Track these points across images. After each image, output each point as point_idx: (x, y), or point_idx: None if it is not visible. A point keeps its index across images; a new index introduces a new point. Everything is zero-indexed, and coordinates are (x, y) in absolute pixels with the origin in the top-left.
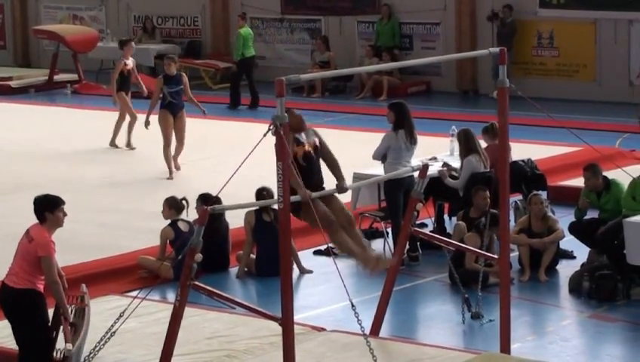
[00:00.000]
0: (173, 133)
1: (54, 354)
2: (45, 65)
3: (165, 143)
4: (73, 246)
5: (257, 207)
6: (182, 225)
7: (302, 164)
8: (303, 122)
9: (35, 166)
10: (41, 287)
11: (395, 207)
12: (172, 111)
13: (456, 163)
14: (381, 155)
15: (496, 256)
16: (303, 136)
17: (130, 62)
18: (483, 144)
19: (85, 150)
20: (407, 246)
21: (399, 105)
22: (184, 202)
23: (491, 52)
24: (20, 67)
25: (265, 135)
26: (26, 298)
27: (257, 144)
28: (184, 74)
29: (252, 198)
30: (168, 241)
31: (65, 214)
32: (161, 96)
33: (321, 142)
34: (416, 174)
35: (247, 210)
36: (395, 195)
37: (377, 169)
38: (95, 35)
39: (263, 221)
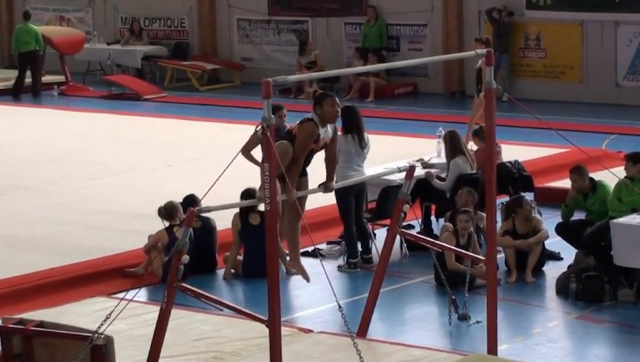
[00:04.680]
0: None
1: None
2: None
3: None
4: (60, 248)
5: (244, 209)
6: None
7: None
8: (337, 117)
9: (22, 167)
10: None
11: (346, 210)
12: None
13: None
14: None
15: (482, 258)
16: (324, 131)
17: None
18: (474, 147)
19: (72, 151)
20: (361, 249)
21: (349, 109)
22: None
23: (478, 54)
24: (6, 68)
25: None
26: None
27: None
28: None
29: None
30: (160, 245)
31: None
32: None
33: (334, 137)
34: (402, 175)
35: (233, 211)
36: (347, 199)
37: (367, 169)
38: (82, 36)
39: (249, 223)
